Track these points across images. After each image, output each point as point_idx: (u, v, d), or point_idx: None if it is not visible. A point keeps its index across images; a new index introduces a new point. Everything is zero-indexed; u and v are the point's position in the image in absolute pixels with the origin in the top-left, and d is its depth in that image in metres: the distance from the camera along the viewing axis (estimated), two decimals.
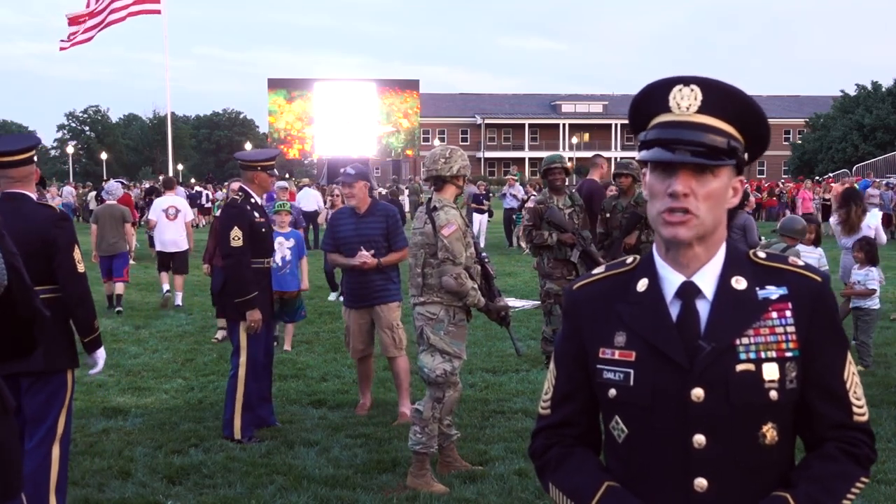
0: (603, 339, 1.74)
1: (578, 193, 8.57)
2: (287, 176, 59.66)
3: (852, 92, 55.37)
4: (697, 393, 1.63)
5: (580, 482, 1.73)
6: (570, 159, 72.86)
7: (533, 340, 9.47)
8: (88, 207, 31.34)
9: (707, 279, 1.69)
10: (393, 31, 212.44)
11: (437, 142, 73.31)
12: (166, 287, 12.30)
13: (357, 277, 6.55)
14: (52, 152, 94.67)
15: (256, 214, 6.04)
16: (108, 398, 7.14)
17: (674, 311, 1.69)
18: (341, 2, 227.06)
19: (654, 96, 1.70)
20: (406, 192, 31.53)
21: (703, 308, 1.68)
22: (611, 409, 1.74)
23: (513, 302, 12.20)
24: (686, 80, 1.67)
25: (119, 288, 11.83)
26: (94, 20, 25.59)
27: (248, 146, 70.27)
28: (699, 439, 1.63)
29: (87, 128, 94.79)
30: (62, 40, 25.76)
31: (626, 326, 1.71)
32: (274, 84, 61.04)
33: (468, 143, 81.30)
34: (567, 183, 7.93)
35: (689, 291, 1.69)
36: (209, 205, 31.97)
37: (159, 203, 12.64)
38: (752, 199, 26.43)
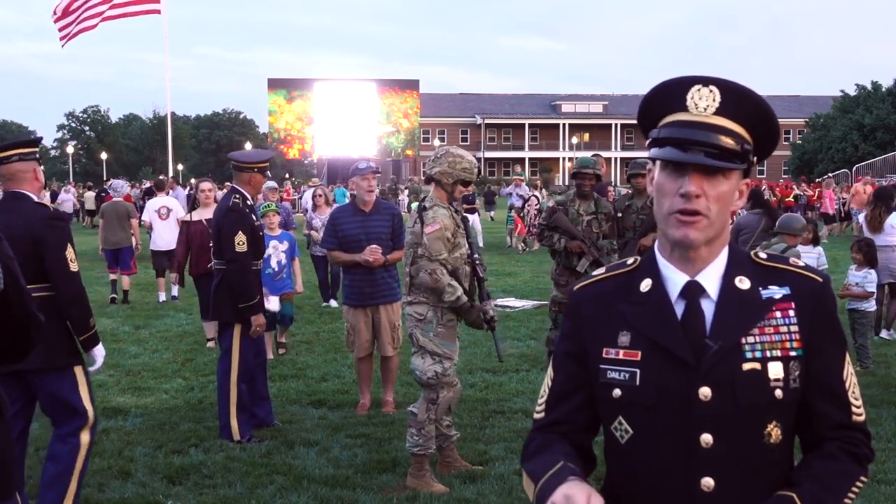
0: (606, 340, 1.73)
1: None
2: (287, 176, 59.68)
3: (852, 92, 55.37)
4: (704, 392, 1.63)
5: (542, 463, 1.71)
6: (571, 159, 72.95)
7: (533, 340, 9.47)
8: (85, 207, 31.44)
9: (711, 279, 1.69)
10: (393, 31, 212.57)
11: (437, 142, 73.30)
12: (163, 297, 12.70)
13: (364, 276, 6.56)
14: (52, 152, 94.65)
15: (254, 217, 6.04)
16: (108, 398, 7.14)
17: (678, 310, 1.69)
18: (341, 2, 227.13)
19: (671, 94, 1.69)
20: (405, 191, 31.55)
21: (707, 307, 1.68)
22: (615, 409, 1.72)
23: (513, 302, 12.19)
24: (705, 81, 1.66)
25: (125, 283, 12.71)
26: (91, 12, 25.52)
27: (248, 146, 70.27)
28: (706, 438, 1.63)
29: (87, 128, 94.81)
30: (60, 29, 25.70)
31: (631, 326, 1.71)
32: (274, 84, 61.03)
33: (468, 143, 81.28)
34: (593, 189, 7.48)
35: (693, 291, 1.69)
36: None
37: (151, 204, 13.07)
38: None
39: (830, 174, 40.41)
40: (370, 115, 59.61)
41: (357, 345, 6.73)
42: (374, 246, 6.44)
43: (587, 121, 79.68)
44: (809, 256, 8.03)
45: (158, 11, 26.84)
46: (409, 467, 5.15)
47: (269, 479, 5.22)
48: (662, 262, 1.73)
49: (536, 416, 1.86)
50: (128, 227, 12.80)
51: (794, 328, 1.67)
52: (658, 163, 1.69)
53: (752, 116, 1.67)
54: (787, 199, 28.07)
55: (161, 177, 18.01)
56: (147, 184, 33.81)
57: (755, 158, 1.72)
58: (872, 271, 8.15)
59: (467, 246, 5.18)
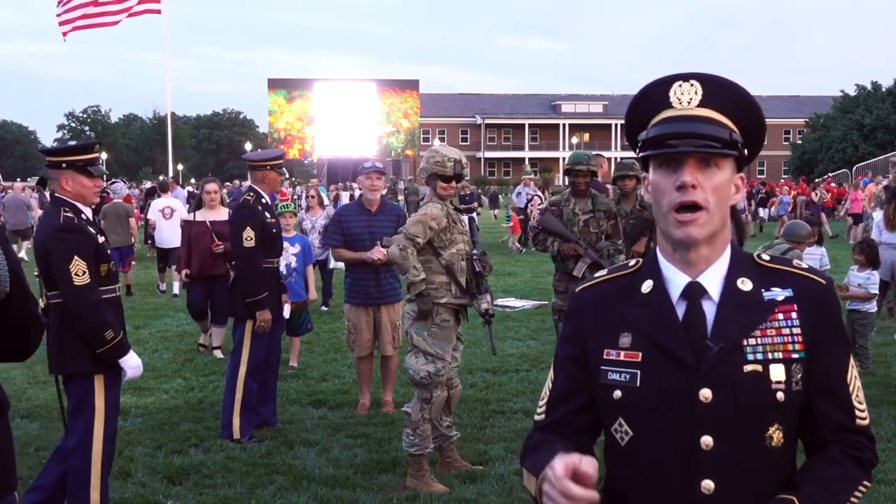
0: (607, 341, 1.73)
1: None
2: (287, 176, 59.68)
3: (852, 92, 55.34)
4: (705, 393, 1.63)
5: (541, 457, 1.68)
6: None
7: (533, 340, 9.47)
8: None
9: (713, 280, 1.69)
10: (393, 31, 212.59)
11: (436, 142, 73.32)
12: (163, 286, 13.66)
13: (369, 276, 6.58)
14: None
15: (268, 215, 6.06)
16: None
17: (679, 311, 1.68)
18: (341, 2, 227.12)
19: (654, 94, 1.71)
20: (405, 191, 31.54)
21: (709, 309, 1.68)
22: (615, 411, 1.72)
23: (513, 302, 12.19)
24: (685, 76, 1.69)
25: (128, 278, 13.40)
26: (95, 10, 25.56)
27: (248, 146, 70.29)
28: (706, 440, 1.62)
29: (87, 128, 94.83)
30: (61, 24, 25.72)
31: (632, 327, 1.70)
32: (274, 84, 61.06)
33: (468, 143, 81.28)
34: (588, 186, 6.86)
35: (694, 292, 1.68)
36: None
37: (156, 204, 13.79)
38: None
39: (830, 174, 40.43)
40: (370, 115, 59.63)
41: (358, 344, 6.73)
42: (380, 247, 6.46)
43: (587, 121, 79.65)
44: (812, 257, 8.05)
45: (158, 11, 26.87)
46: (408, 467, 5.16)
47: (269, 479, 5.22)
48: (664, 264, 1.73)
49: (537, 416, 1.86)
50: (127, 227, 13.31)
51: (797, 330, 1.67)
52: (651, 165, 1.69)
53: (736, 106, 1.69)
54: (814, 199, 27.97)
55: (162, 177, 18.35)
56: (148, 184, 33.91)
57: (746, 152, 1.72)
58: (875, 273, 8.16)
59: (467, 244, 5.19)
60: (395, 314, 6.68)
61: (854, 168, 43.43)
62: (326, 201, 23.67)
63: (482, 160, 79.75)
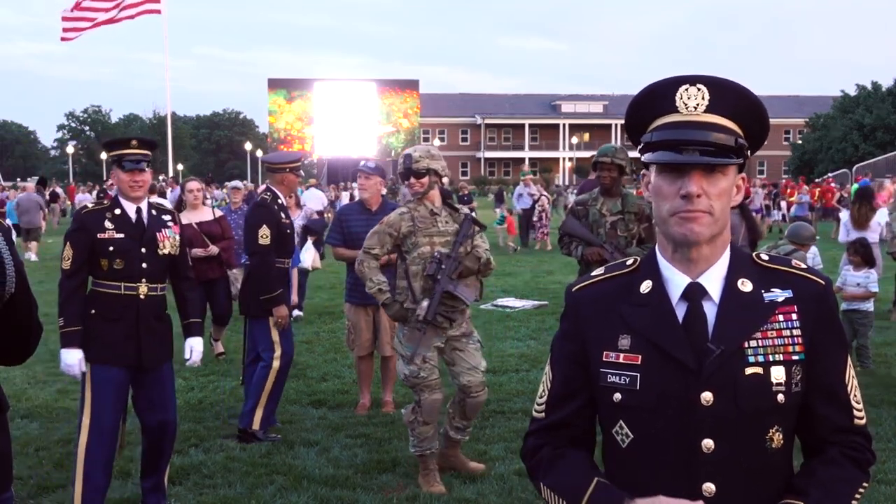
0: (606, 342, 1.72)
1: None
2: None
3: (852, 92, 55.35)
4: (706, 396, 1.62)
5: (571, 480, 1.71)
6: (571, 159, 73.05)
7: (533, 340, 9.47)
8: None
9: (713, 281, 1.68)
10: (393, 31, 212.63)
11: (437, 142, 73.27)
12: None
13: None
14: (53, 152, 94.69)
15: (283, 215, 6.10)
16: None
17: (679, 312, 1.67)
18: (341, 2, 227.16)
19: (659, 96, 1.67)
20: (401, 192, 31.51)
21: (709, 310, 1.67)
22: (615, 413, 1.71)
23: (513, 302, 12.19)
24: (692, 80, 1.65)
25: None
26: (94, 14, 25.61)
27: (248, 146, 70.32)
28: (707, 443, 1.62)
29: (87, 128, 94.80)
30: (65, 30, 25.78)
31: (631, 329, 1.69)
32: (274, 84, 61.08)
33: (468, 143, 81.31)
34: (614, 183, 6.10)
35: (695, 293, 1.67)
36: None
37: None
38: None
39: (830, 174, 40.40)
40: (370, 115, 59.67)
41: (358, 344, 6.74)
42: None
43: (587, 121, 79.66)
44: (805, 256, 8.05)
45: (158, 11, 26.89)
46: (410, 468, 5.17)
47: (269, 479, 5.22)
48: (663, 264, 1.71)
49: (536, 414, 1.84)
50: None
51: (797, 332, 1.66)
52: (654, 168, 1.67)
53: (743, 111, 1.67)
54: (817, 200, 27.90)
55: (161, 177, 18.75)
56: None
57: (748, 152, 1.71)
58: (873, 271, 8.16)
59: (443, 245, 4.97)
60: None
61: (854, 168, 43.42)
62: (323, 203, 23.71)
63: (482, 160, 79.76)
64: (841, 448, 1.69)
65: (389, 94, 60.66)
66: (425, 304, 4.92)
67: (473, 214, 5.24)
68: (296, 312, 10.93)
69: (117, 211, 4.45)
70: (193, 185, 8.67)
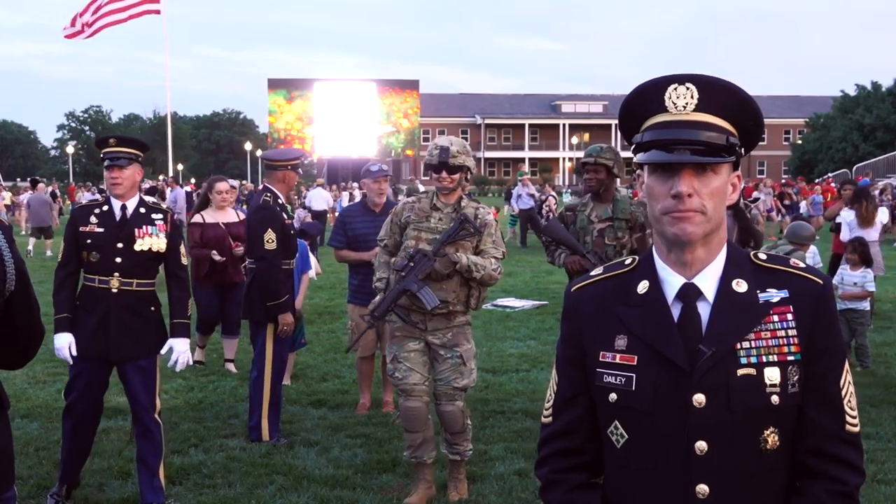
0: (603, 343, 1.72)
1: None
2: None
3: (852, 92, 55.36)
4: (699, 398, 1.61)
5: None
6: (571, 159, 73.05)
7: (533, 340, 9.47)
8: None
9: (708, 281, 1.67)
10: (392, 31, 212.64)
11: None
12: None
13: (372, 276, 6.57)
14: (53, 152, 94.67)
15: (285, 215, 6.05)
16: (108, 398, 7.08)
17: (675, 313, 1.67)
18: (341, 2, 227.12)
19: (648, 97, 1.67)
20: (405, 192, 31.56)
21: (704, 311, 1.66)
22: (610, 413, 1.71)
23: (513, 302, 12.19)
24: (681, 79, 1.65)
25: None
26: (96, 15, 25.70)
27: (247, 146, 70.31)
28: (701, 445, 1.61)
29: (87, 128, 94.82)
30: (65, 28, 25.89)
31: (627, 330, 1.69)
32: (274, 84, 61.08)
33: (468, 143, 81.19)
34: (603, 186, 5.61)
35: (689, 293, 1.67)
36: None
37: None
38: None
39: (830, 174, 40.39)
40: (370, 115, 59.65)
41: (362, 343, 6.71)
42: None
43: (587, 121, 79.65)
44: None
45: (158, 11, 26.93)
46: (409, 468, 5.16)
47: (269, 479, 5.22)
48: (660, 264, 1.71)
49: (544, 420, 1.84)
50: None
51: (793, 332, 1.65)
52: (646, 169, 1.67)
53: (734, 108, 1.66)
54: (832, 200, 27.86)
55: (164, 176, 19.20)
56: (148, 184, 34.03)
57: (742, 150, 1.70)
58: (870, 270, 8.16)
59: (428, 242, 4.72)
60: None
61: (854, 168, 43.42)
62: (326, 204, 23.68)
63: (482, 160, 79.73)
64: (827, 485, 1.65)
65: (389, 94, 60.67)
66: (378, 298, 4.82)
67: (472, 216, 4.79)
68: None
69: (105, 207, 4.65)
70: (223, 185, 8.15)
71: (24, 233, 24.18)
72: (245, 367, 7.37)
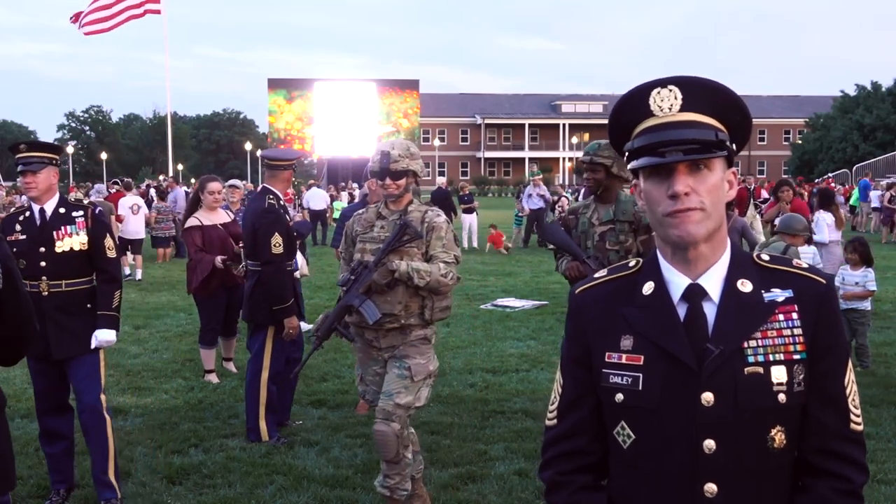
0: (609, 343, 1.72)
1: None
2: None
3: (852, 92, 55.38)
4: (707, 397, 1.62)
5: None
6: (571, 159, 73.05)
7: (533, 340, 9.47)
8: None
9: (713, 281, 1.68)
10: (392, 31, 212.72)
11: (437, 142, 73.31)
12: (128, 270, 15.63)
13: None
14: None
15: (287, 217, 6.05)
16: (108, 398, 7.10)
17: (680, 313, 1.68)
18: (341, 2, 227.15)
19: (633, 103, 1.69)
20: None
21: (709, 311, 1.67)
22: (617, 414, 1.71)
23: (513, 302, 12.19)
24: (663, 82, 1.67)
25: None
26: (101, 14, 25.77)
27: (248, 146, 70.32)
28: (709, 444, 1.62)
29: (87, 128, 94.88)
30: (83, 24, 25.95)
31: (634, 330, 1.70)
32: (274, 84, 61.09)
33: (468, 143, 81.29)
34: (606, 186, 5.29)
35: (695, 294, 1.68)
36: None
37: (124, 202, 16.35)
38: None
39: (830, 174, 40.41)
40: (370, 115, 59.64)
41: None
42: None
43: (587, 121, 79.65)
44: (804, 256, 8.03)
45: (158, 11, 26.95)
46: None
47: (269, 479, 5.22)
48: (664, 265, 1.72)
49: (548, 422, 1.84)
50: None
51: (798, 331, 1.66)
52: (642, 174, 1.69)
53: (719, 105, 1.68)
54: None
55: (126, 179, 20.07)
56: (148, 184, 34.01)
57: (734, 146, 1.72)
58: (870, 270, 8.14)
59: (362, 254, 4.48)
60: None
61: (854, 168, 43.43)
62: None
63: (482, 160, 79.79)
64: (832, 483, 1.66)
65: (389, 94, 60.66)
66: (321, 317, 4.65)
67: (409, 219, 4.43)
68: (305, 326, 9.35)
69: (27, 213, 4.69)
70: (216, 185, 7.83)
71: None
72: (245, 367, 7.38)
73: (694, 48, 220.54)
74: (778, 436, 1.64)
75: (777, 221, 8.10)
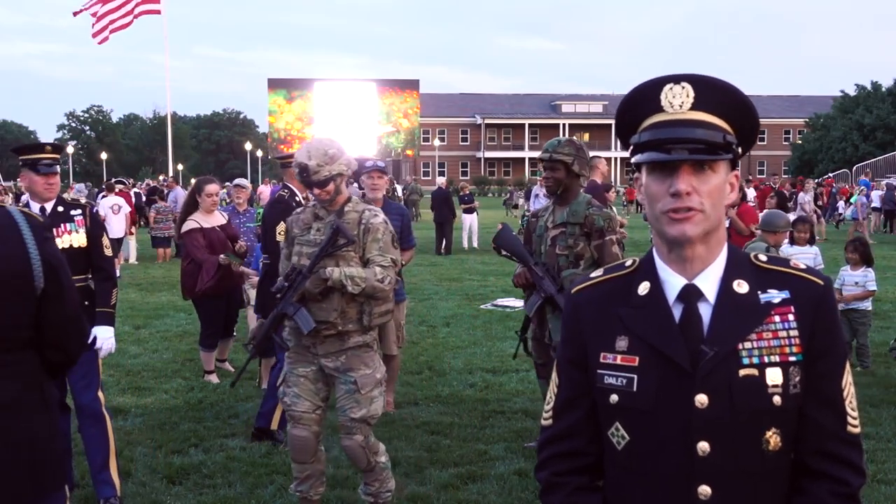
0: (604, 344, 1.71)
1: None
2: None
3: (852, 92, 55.40)
4: (701, 399, 1.61)
5: None
6: None
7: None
8: None
9: (709, 282, 1.67)
10: (392, 31, 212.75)
11: (437, 142, 73.32)
12: (119, 272, 15.25)
13: None
14: None
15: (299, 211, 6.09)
16: (108, 398, 7.09)
17: (676, 314, 1.67)
18: (340, 2, 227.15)
19: (644, 97, 1.68)
20: (405, 191, 31.54)
21: (705, 311, 1.66)
22: (611, 414, 1.71)
23: (513, 302, 12.18)
24: (676, 79, 1.66)
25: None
26: (115, 15, 25.82)
27: (248, 146, 70.38)
28: (703, 446, 1.61)
29: (87, 128, 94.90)
30: (95, 27, 25.99)
31: (629, 331, 1.69)
32: (274, 84, 61.09)
33: (468, 143, 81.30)
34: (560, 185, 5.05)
35: (691, 294, 1.67)
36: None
37: (105, 202, 16.92)
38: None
39: (830, 174, 40.40)
40: (370, 115, 59.64)
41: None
42: None
43: (587, 121, 79.70)
44: (805, 256, 8.03)
45: (158, 11, 26.98)
46: (408, 467, 5.15)
47: (269, 479, 5.22)
48: (660, 265, 1.71)
49: (544, 422, 1.84)
50: None
51: (794, 333, 1.64)
52: (644, 169, 1.68)
53: (729, 107, 1.66)
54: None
55: (113, 180, 20.30)
56: (149, 184, 33.97)
57: (740, 149, 1.70)
58: (871, 270, 8.14)
59: (298, 257, 4.30)
60: (400, 313, 6.67)
61: (854, 168, 43.44)
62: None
63: (482, 160, 79.81)
64: (830, 485, 1.65)
65: (389, 94, 60.65)
66: (257, 325, 4.57)
67: (357, 221, 4.24)
68: None
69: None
70: (213, 188, 7.63)
71: None
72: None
73: (694, 48, 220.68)
74: (773, 438, 1.63)
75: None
